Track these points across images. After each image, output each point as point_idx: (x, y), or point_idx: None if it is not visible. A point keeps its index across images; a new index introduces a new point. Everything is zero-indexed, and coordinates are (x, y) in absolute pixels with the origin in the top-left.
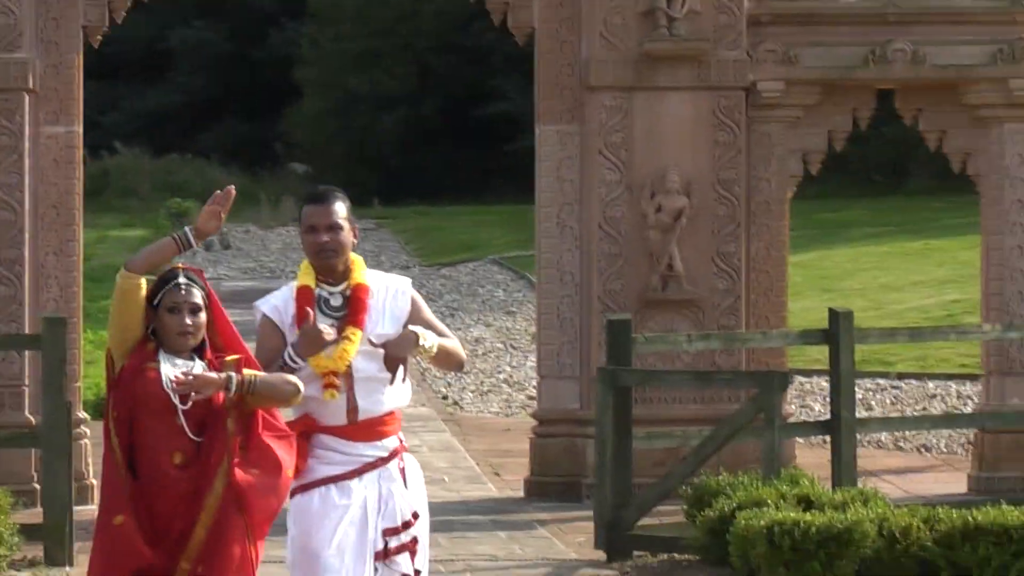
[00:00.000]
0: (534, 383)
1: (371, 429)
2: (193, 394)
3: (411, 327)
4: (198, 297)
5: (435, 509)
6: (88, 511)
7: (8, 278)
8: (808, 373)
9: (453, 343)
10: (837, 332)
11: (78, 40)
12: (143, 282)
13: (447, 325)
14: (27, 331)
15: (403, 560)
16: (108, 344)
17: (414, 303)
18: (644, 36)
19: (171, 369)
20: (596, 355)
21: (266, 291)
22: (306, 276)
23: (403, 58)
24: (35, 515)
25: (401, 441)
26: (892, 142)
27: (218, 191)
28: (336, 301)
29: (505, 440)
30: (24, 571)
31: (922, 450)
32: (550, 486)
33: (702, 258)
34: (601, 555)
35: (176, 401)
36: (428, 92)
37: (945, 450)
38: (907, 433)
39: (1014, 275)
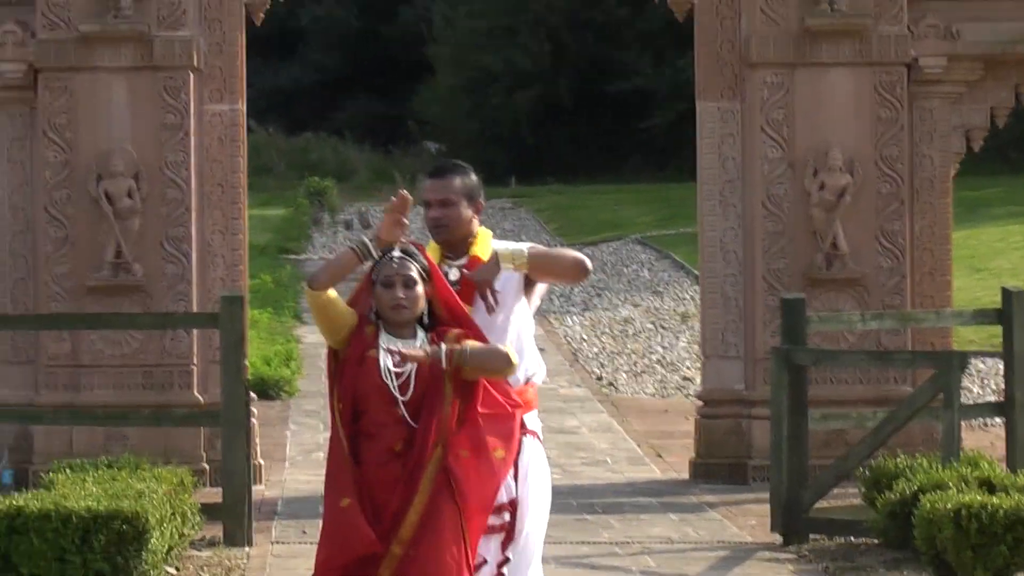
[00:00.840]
0: (687, 364)
1: None
2: (413, 374)
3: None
4: (412, 271)
5: (601, 490)
6: (257, 491)
7: (175, 256)
8: None
9: (556, 249)
10: (1011, 312)
11: (240, 18)
12: (331, 294)
13: (594, 305)
14: (194, 310)
15: (483, 542)
16: (326, 342)
17: (529, 255)
18: (805, 12)
19: (388, 359)
20: (761, 335)
21: None
22: (432, 251)
23: (537, 35)
24: (209, 495)
25: (522, 424)
26: None
27: (393, 198)
28: (454, 276)
29: (664, 421)
30: (204, 550)
31: None
32: (716, 468)
33: (866, 236)
34: (777, 538)
35: (396, 393)
36: (562, 69)
37: None
38: None
39: None
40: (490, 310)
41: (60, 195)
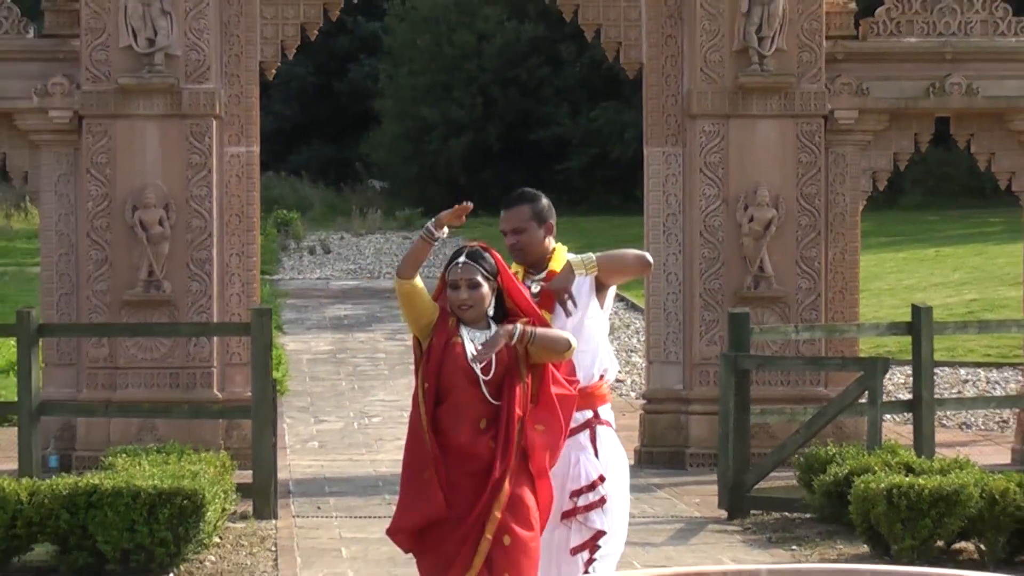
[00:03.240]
0: (618, 369)
1: None
2: (494, 356)
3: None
4: (475, 273)
5: None
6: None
7: (199, 276)
8: None
9: (618, 251)
10: (919, 325)
11: (255, 73)
12: (417, 281)
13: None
14: (214, 321)
15: (595, 516)
16: (412, 331)
17: (597, 259)
18: (738, 71)
19: (471, 344)
20: (697, 344)
21: (368, 289)
22: (517, 266)
23: (469, 90)
24: (237, 476)
25: (596, 414)
26: None
27: (459, 205)
28: (535, 288)
29: None
30: (239, 523)
31: (963, 427)
32: (658, 455)
33: (788, 261)
34: (722, 513)
35: (479, 373)
36: (490, 120)
37: (983, 427)
38: (948, 412)
39: None
40: (568, 314)
41: (100, 223)
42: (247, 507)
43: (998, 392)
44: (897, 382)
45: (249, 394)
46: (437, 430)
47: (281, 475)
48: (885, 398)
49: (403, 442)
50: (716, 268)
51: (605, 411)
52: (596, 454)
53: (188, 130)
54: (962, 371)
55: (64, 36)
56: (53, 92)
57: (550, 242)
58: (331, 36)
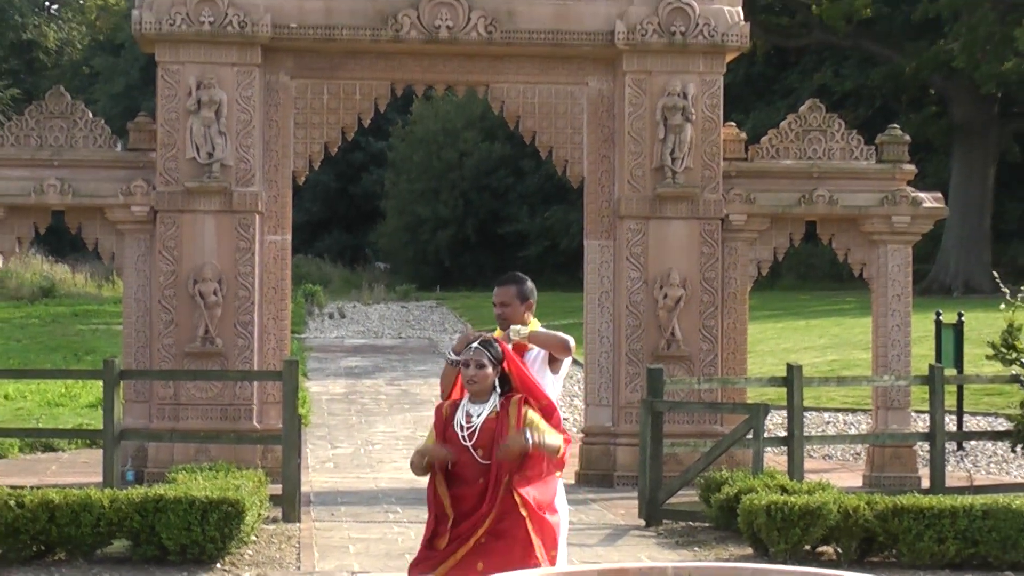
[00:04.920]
0: (561, 411)
1: None
2: (479, 423)
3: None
4: (482, 356)
5: None
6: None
7: (244, 334)
8: None
9: (553, 333)
10: (792, 379)
11: (289, 179)
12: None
13: None
14: (255, 369)
15: None
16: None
17: (530, 334)
18: (656, 183)
19: (463, 412)
20: (623, 391)
21: (374, 346)
22: (499, 333)
23: (452, 194)
24: (270, 489)
25: None
26: None
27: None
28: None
29: None
30: (270, 525)
31: (825, 458)
32: (592, 476)
33: (693, 329)
34: (641, 522)
35: (466, 442)
36: (468, 217)
37: (840, 458)
38: (814, 446)
39: (893, 343)
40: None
41: (169, 292)
42: (277, 513)
43: (852, 431)
44: (775, 422)
45: (280, 425)
46: (451, 482)
47: (304, 488)
48: (766, 435)
49: (398, 464)
50: (638, 333)
51: None
52: None
53: (237, 222)
54: (825, 415)
55: (144, 149)
56: (135, 192)
57: (528, 317)
58: (348, 151)
